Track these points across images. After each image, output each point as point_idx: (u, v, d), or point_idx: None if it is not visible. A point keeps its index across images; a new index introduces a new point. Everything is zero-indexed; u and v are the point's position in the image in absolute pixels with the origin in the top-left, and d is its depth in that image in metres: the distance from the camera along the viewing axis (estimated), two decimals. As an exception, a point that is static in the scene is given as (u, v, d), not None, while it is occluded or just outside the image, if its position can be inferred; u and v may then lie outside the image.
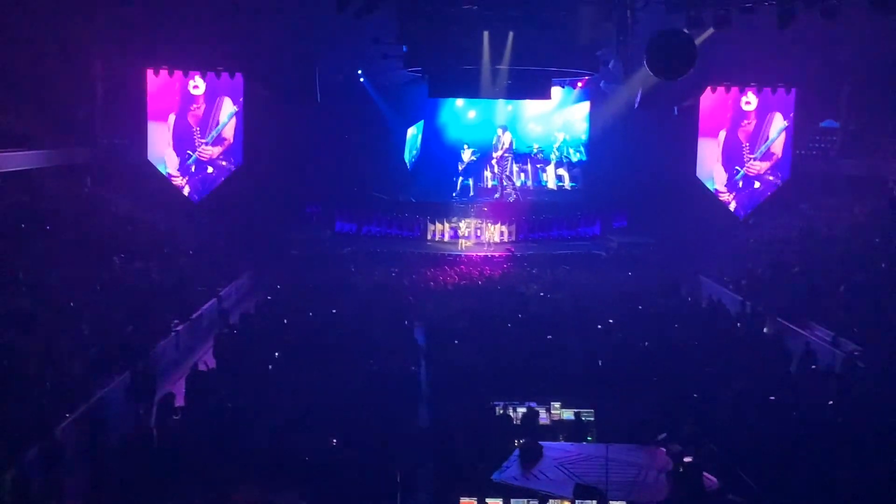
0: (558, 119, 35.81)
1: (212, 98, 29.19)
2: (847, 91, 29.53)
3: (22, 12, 23.36)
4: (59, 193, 24.93)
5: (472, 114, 35.54)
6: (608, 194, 34.11)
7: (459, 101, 34.87)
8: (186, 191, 29.22)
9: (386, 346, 18.18)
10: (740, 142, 30.71)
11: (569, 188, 36.03)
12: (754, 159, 30.58)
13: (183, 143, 29.04)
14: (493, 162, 35.75)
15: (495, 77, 26.41)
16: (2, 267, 19.07)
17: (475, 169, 35.75)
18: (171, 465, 12.01)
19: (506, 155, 35.66)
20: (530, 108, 35.40)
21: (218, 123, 29.24)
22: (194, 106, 28.98)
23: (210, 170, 29.40)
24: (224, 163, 29.50)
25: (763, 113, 30.63)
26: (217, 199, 29.11)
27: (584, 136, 35.75)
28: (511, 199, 35.40)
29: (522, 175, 36.03)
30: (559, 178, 36.10)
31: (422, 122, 35.53)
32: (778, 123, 30.41)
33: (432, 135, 35.80)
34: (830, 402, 15.07)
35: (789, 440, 13.22)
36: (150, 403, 15.76)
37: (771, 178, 30.67)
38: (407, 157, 35.31)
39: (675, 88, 27.78)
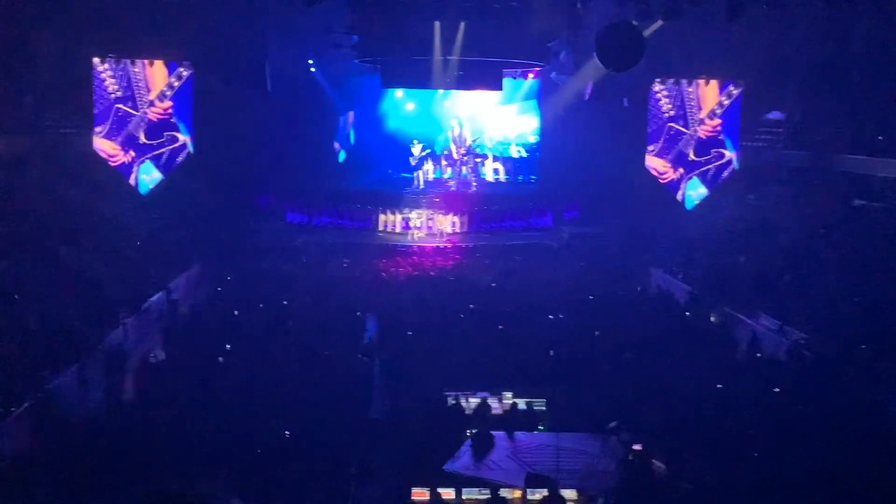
0: (500, 115, 35.87)
1: (154, 85, 28.81)
2: (794, 83, 29.96)
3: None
4: (3, 183, 24.40)
5: (410, 105, 35.42)
6: (560, 185, 34.27)
7: (399, 93, 34.70)
8: (133, 179, 28.81)
9: (338, 337, 18.16)
10: (682, 129, 31.11)
11: (503, 181, 36.09)
12: (693, 126, 31.03)
13: (124, 122, 28.61)
14: (453, 154, 35.65)
15: (447, 68, 26.43)
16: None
17: (421, 162, 35.79)
18: (122, 458, 11.87)
19: (466, 147, 35.69)
20: (469, 103, 35.32)
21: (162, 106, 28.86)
22: (135, 91, 28.50)
23: (156, 150, 28.96)
24: (167, 134, 29.08)
25: (708, 102, 31.10)
26: (166, 190, 28.68)
27: (532, 137, 35.89)
28: (472, 190, 35.46)
29: (464, 168, 36.06)
30: (495, 171, 36.15)
31: (352, 112, 35.44)
32: (719, 111, 30.86)
33: (372, 125, 35.69)
34: (776, 390, 15.35)
35: (736, 427, 13.46)
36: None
37: (712, 155, 31.13)
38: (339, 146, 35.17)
39: (624, 80, 27.98)
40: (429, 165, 35.74)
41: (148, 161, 28.71)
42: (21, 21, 24.97)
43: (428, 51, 25.37)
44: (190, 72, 28.39)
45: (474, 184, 35.65)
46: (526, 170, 36.11)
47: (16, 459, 12.55)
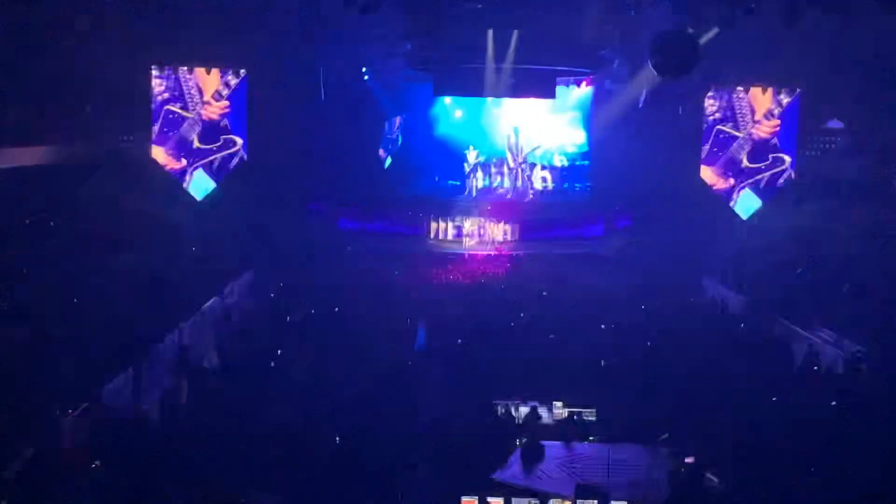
0: (550, 125, 35.43)
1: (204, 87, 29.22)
2: (853, 91, 29.41)
3: (25, 9, 23.40)
4: (64, 190, 24.97)
5: (458, 113, 35.07)
6: (613, 194, 33.99)
7: (447, 99, 34.38)
8: (188, 185, 29.25)
9: (388, 344, 18.20)
10: (732, 132, 30.62)
11: (550, 189, 35.58)
12: (750, 147, 30.44)
13: (176, 125, 29.02)
14: (509, 163, 35.32)
15: (500, 76, 26.42)
16: (7, 264, 19.11)
17: (475, 169, 35.50)
18: (174, 461, 12.01)
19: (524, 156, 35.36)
20: (520, 112, 34.87)
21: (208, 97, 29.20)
22: (188, 93, 28.93)
23: (210, 154, 29.31)
24: (223, 138, 29.39)
25: (765, 110, 30.60)
26: (221, 196, 29.12)
27: (572, 147, 35.52)
28: (529, 198, 35.12)
29: (520, 177, 35.69)
30: (543, 179, 35.74)
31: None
32: (766, 107, 30.31)
33: (420, 131, 35.30)
34: (833, 403, 15.04)
35: (790, 441, 13.20)
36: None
37: (769, 161, 30.57)
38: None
39: (679, 88, 27.74)
40: (480, 173, 35.51)
41: (201, 169, 29.14)
42: (80, 31, 25.55)
43: (481, 59, 25.39)
44: (244, 73, 28.78)
45: (531, 192, 35.32)
46: (572, 178, 35.70)
47: (73, 457, 12.77)
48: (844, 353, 18.60)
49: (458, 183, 35.42)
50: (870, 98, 28.63)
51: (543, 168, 35.55)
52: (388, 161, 34.83)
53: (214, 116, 29.39)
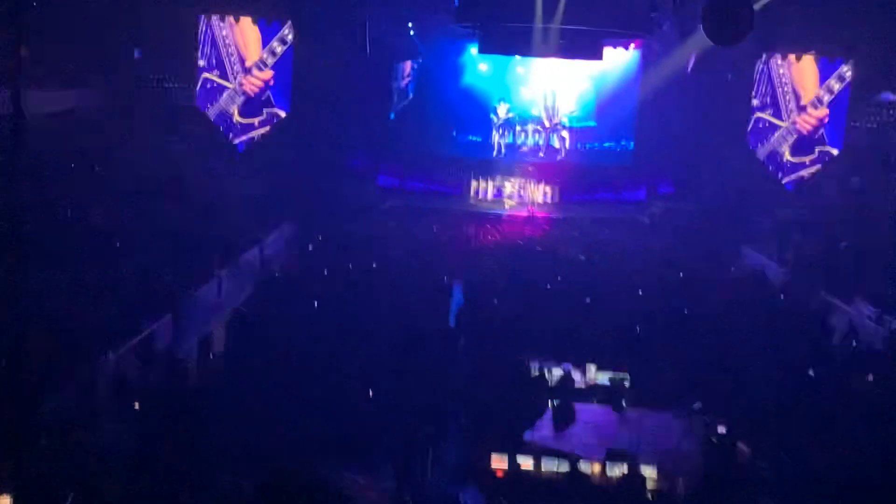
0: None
1: (255, 43, 28.90)
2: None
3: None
4: (107, 134, 25.18)
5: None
6: (658, 159, 33.56)
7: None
8: (232, 136, 29.27)
9: (424, 301, 18.26)
10: (774, 121, 29.87)
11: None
12: (794, 138, 29.69)
13: (215, 95, 28.77)
14: (545, 122, 34.82)
15: (547, 36, 26.05)
16: (50, 206, 19.36)
17: (508, 126, 34.85)
18: (212, 409, 12.18)
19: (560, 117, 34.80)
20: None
21: (250, 63, 28.82)
22: (225, 54, 28.53)
23: (251, 130, 29.11)
24: (266, 111, 29.18)
25: (817, 80, 29.84)
26: (261, 148, 29.18)
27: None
28: (561, 157, 34.65)
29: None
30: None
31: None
32: (829, 90, 29.45)
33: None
34: (870, 378, 14.89)
35: (827, 415, 13.09)
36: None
37: (815, 155, 29.84)
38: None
39: (730, 54, 27.21)
40: (507, 130, 34.65)
41: (241, 141, 28.92)
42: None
43: (529, 18, 25.03)
44: (292, 38, 28.38)
45: (564, 152, 34.81)
46: (584, 139, 34.79)
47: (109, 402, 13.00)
48: (885, 329, 18.35)
49: (479, 139, 34.74)
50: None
51: (563, 128, 34.91)
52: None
53: (257, 88, 28.94)
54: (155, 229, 20.29)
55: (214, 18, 28.18)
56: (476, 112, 34.41)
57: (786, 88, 29.32)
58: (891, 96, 30.43)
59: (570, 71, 33.45)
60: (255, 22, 28.56)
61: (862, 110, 30.03)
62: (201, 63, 28.11)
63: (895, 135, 29.15)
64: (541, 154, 34.62)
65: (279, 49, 28.58)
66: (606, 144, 34.71)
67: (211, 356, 15.89)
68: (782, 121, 29.52)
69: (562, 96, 34.35)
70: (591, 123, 34.59)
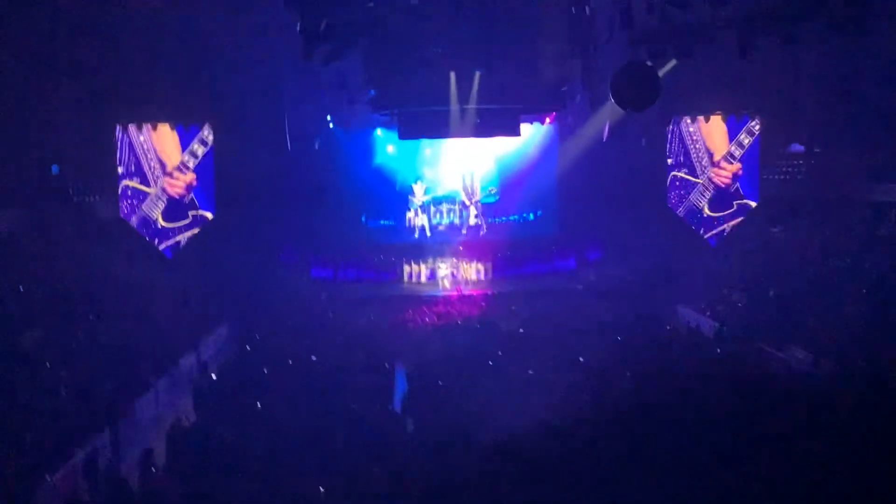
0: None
1: (176, 148, 28.84)
2: (810, 115, 29.93)
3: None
4: (32, 253, 24.73)
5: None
6: (582, 227, 34.21)
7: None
8: (158, 243, 28.94)
9: (368, 390, 18.07)
10: (689, 178, 30.70)
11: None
12: (711, 194, 30.48)
13: (137, 201, 28.46)
14: (465, 202, 35.43)
15: (464, 117, 26.58)
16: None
17: (425, 207, 35.43)
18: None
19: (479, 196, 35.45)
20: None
21: (171, 167, 28.68)
22: (144, 160, 28.41)
23: (178, 234, 28.84)
24: (192, 214, 29.00)
25: (726, 137, 30.79)
26: (191, 251, 28.94)
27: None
28: (483, 233, 35.20)
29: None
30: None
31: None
32: (740, 146, 30.39)
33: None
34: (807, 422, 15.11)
35: (778, 468, 13.21)
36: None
37: (734, 209, 30.67)
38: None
39: (641, 119, 28.09)
40: (424, 212, 35.37)
41: (168, 247, 28.58)
42: (41, 90, 25.46)
43: (444, 101, 25.55)
44: (212, 139, 28.38)
45: (484, 229, 35.36)
46: (491, 213, 35.66)
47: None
48: (821, 372, 18.74)
49: (392, 222, 35.21)
50: (828, 121, 29.20)
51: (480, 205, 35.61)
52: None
53: (180, 191, 28.85)
54: (88, 344, 19.86)
55: (131, 127, 28.09)
56: (388, 195, 34.89)
57: (698, 146, 30.23)
58: (798, 147, 31.69)
59: (478, 149, 34.16)
60: (173, 128, 28.55)
61: (772, 163, 31.14)
62: (120, 170, 27.84)
63: (805, 183, 30.33)
64: (463, 231, 35.10)
65: (200, 151, 28.54)
66: (512, 217, 35.33)
67: (153, 470, 15.42)
68: (698, 177, 30.33)
69: (477, 175, 35.06)
70: (494, 199, 35.28)
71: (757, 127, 30.43)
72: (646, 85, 17.17)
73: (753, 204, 30.27)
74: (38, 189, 26.68)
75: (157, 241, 28.55)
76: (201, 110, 28.85)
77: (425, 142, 33.86)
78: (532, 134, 33.95)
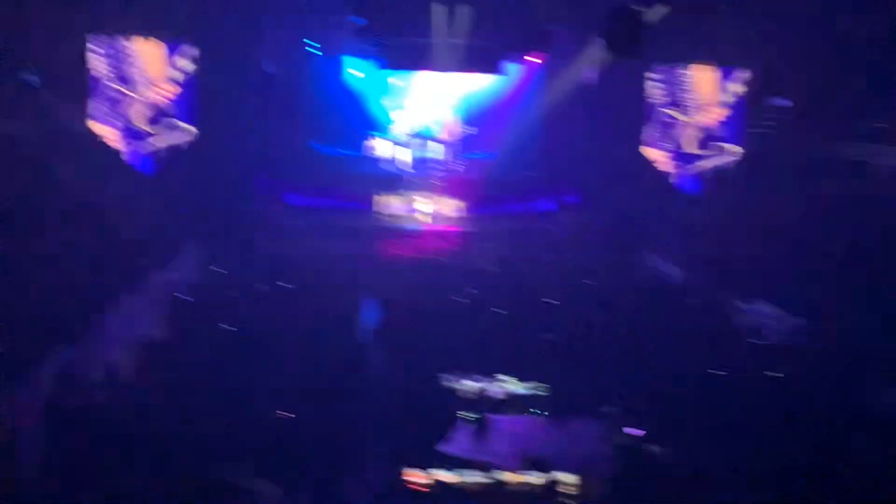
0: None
1: (153, 64, 28.28)
2: (800, 69, 29.76)
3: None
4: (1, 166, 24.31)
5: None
6: (563, 171, 34.09)
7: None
8: (132, 160, 28.49)
9: (336, 319, 18.11)
10: (678, 116, 30.70)
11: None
12: (696, 133, 30.51)
13: (121, 105, 28.08)
14: (445, 137, 35.14)
15: (449, 51, 26.30)
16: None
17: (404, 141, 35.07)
18: (121, 441, 11.81)
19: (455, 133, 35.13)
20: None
21: (157, 79, 28.24)
22: (133, 69, 27.95)
23: (156, 138, 28.52)
24: (170, 122, 28.59)
25: (711, 90, 30.66)
26: (164, 169, 28.53)
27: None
28: (461, 169, 34.99)
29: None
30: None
31: None
32: (714, 94, 30.34)
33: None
34: (775, 376, 15.36)
35: (732, 413, 13.45)
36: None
37: (715, 151, 30.69)
38: None
39: (627, 65, 27.87)
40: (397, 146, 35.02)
41: (145, 149, 28.33)
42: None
43: (429, 33, 25.24)
44: (196, 59, 27.88)
45: (461, 165, 35.14)
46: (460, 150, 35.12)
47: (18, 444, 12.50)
48: (785, 328, 18.97)
49: (353, 152, 34.59)
50: (818, 78, 29.08)
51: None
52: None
53: (163, 100, 28.52)
54: (56, 260, 19.63)
55: (116, 38, 27.48)
56: (352, 124, 34.27)
57: (690, 89, 30.16)
58: (784, 101, 31.59)
59: (454, 84, 33.77)
60: (146, 41, 27.90)
61: (757, 117, 31.07)
62: (108, 73, 27.34)
63: (786, 138, 30.32)
64: (439, 167, 34.90)
65: (185, 66, 28.04)
66: (476, 155, 35.19)
67: (119, 383, 15.41)
68: (686, 116, 30.28)
69: (454, 112, 34.74)
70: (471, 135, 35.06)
71: (745, 78, 30.29)
72: (633, 32, 17.05)
73: (736, 149, 30.26)
74: (5, 98, 26.09)
75: (138, 146, 28.11)
76: (180, 26, 28.18)
77: (393, 72, 33.26)
78: (515, 73, 33.51)
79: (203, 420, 12.32)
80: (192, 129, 28.24)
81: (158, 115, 28.13)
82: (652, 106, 29.99)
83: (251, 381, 13.87)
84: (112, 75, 27.53)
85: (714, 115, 30.17)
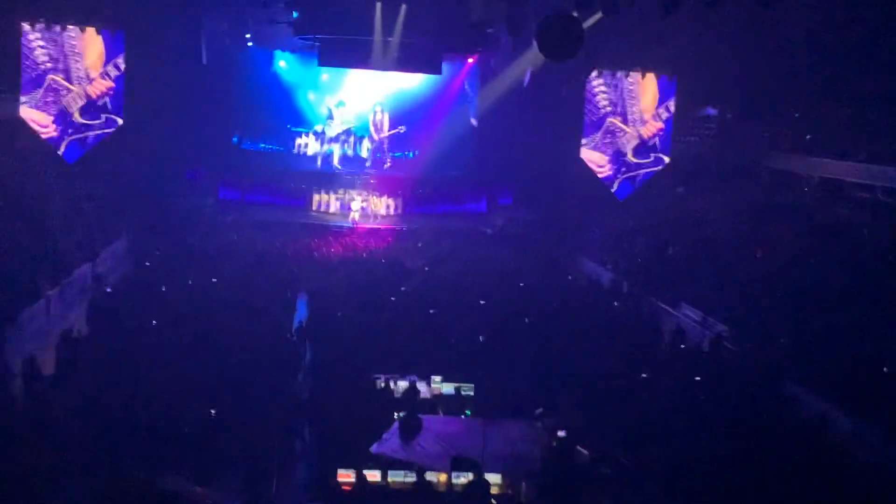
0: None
1: (87, 53, 27.75)
2: (726, 79, 30.46)
3: None
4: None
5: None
6: (495, 171, 34.39)
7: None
8: (62, 150, 27.87)
9: (267, 316, 17.99)
10: (622, 126, 31.16)
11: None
12: (634, 125, 31.03)
13: (58, 94, 27.51)
14: (374, 136, 35.17)
15: (386, 49, 26.32)
16: None
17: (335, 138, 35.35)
18: (42, 436, 11.57)
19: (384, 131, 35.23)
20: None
21: (97, 77, 27.81)
22: (68, 59, 27.40)
23: (89, 130, 28.00)
24: (105, 116, 28.12)
25: (644, 95, 31.12)
26: (94, 161, 27.95)
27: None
28: (386, 167, 35.20)
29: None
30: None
31: None
32: (655, 105, 30.86)
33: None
34: (697, 379, 15.74)
35: (658, 414, 13.76)
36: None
37: (651, 160, 31.23)
38: None
39: (563, 69, 28.20)
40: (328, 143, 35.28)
41: (76, 140, 27.74)
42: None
43: (368, 31, 25.23)
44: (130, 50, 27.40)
45: (388, 163, 35.40)
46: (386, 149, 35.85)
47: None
48: (710, 332, 19.45)
49: (274, 147, 34.95)
50: (742, 85, 29.81)
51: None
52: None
53: (98, 93, 28.00)
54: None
55: (58, 27, 26.85)
56: (278, 119, 34.74)
57: (633, 102, 30.56)
58: (711, 110, 32.33)
59: (384, 83, 33.94)
60: (83, 31, 27.31)
61: (685, 124, 31.71)
62: (49, 65, 26.70)
63: (713, 146, 31.04)
64: (367, 164, 35.02)
65: (121, 62, 27.51)
66: (397, 154, 35.52)
67: (37, 378, 15.05)
68: (628, 126, 30.66)
69: (384, 109, 34.92)
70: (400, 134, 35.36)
71: (679, 86, 30.87)
72: (570, 35, 17.22)
73: (667, 159, 30.86)
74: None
75: (70, 131, 27.47)
76: (115, 14, 27.64)
77: (323, 68, 33.33)
78: (449, 72, 33.65)
79: (129, 416, 12.14)
80: (120, 119, 27.67)
81: (91, 105, 27.50)
82: (588, 110, 30.38)
83: (181, 377, 13.69)
84: (47, 64, 26.88)
85: (655, 128, 30.62)
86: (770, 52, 27.89)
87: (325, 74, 34.16)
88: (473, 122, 34.39)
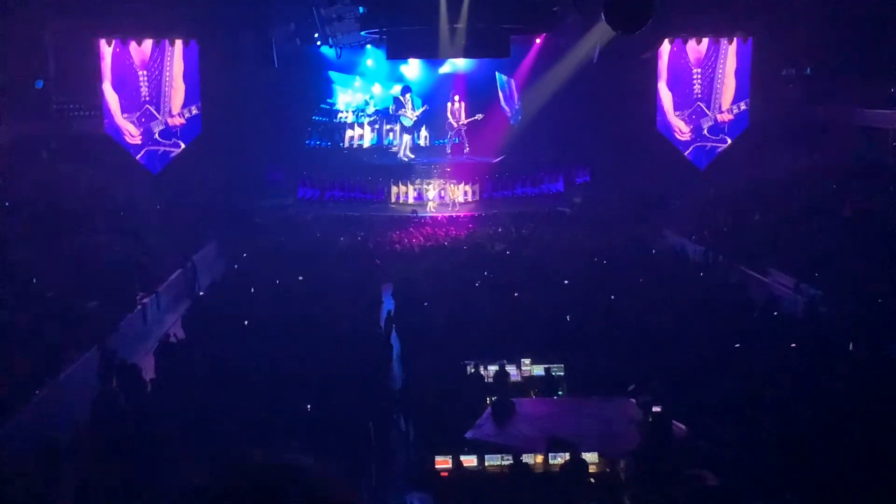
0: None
1: (164, 66, 28.61)
2: (805, 38, 29.62)
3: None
4: (15, 168, 24.53)
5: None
6: (571, 150, 34.09)
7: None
8: (140, 156, 28.79)
9: (355, 309, 18.24)
10: (698, 93, 30.61)
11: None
12: (714, 110, 30.50)
13: (141, 111, 28.49)
14: (453, 124, 35.30)
15: (453, 36, 26.26)
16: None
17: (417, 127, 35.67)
18: (147, 439, 11.95)
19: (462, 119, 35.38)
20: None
21: (174, 90, 28.77)
22: (146, 73, 28.35)
23: (169, 141, 28.98)
24: (181, 126, 29.19)
25: (721, 63, 30.48)
26: (177, 170, 28.73)
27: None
28: (465, 151, 35.34)
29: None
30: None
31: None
32: (733, 71, 30.21)
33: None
34: (793, 346, 15.36)
35: (755, 385, 13.49)
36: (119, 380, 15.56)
37: (730, 127, 30.63)
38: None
39: (633, 42, 27.74)
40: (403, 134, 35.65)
41: (152, 150, 28.77)
42: (28, 8, 24.96)
43: (434, 20, 25.21)
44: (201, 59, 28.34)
45: (467, 148, 35.52)
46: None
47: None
48: (803, 298, 18.95)
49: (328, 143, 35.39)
50: (822, 45, 28.93)
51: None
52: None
53: (175, 126, 29.16)
54: (74, 262, 19.79)
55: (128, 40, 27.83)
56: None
57: (718, 84, 30.12)
58: (792, 70, 31.45)
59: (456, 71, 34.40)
60: (157, 45, 28.02)
61: (766, 85, 30.91)
62: (145, 97, 28.24)
63: (796, 106, 30.21)
64: (448, 151, 35.21)
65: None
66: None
67: (145, 384, 15.56)
68: (709, 111, 30.31)
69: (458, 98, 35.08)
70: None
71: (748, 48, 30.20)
72: (638, 7, 16.95)
73: (729, 140, 30.26)
74: (20, 103, 26.31)
75: (149, 143, 28.51)
76: (188, 27, 28.32)
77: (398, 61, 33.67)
78: (518, 54, 33.56)
79: (230, 416, 12.44)
80: (183, 144, 28.82)
81: (167, 131, 28.61)
82: (674, 80, 29.96)
83: (277, 375, 13.99)
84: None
85: (729, 116, 30.15)
86: (849, 4, 27.03)
87: (401, 67, 34.83)
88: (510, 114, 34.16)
